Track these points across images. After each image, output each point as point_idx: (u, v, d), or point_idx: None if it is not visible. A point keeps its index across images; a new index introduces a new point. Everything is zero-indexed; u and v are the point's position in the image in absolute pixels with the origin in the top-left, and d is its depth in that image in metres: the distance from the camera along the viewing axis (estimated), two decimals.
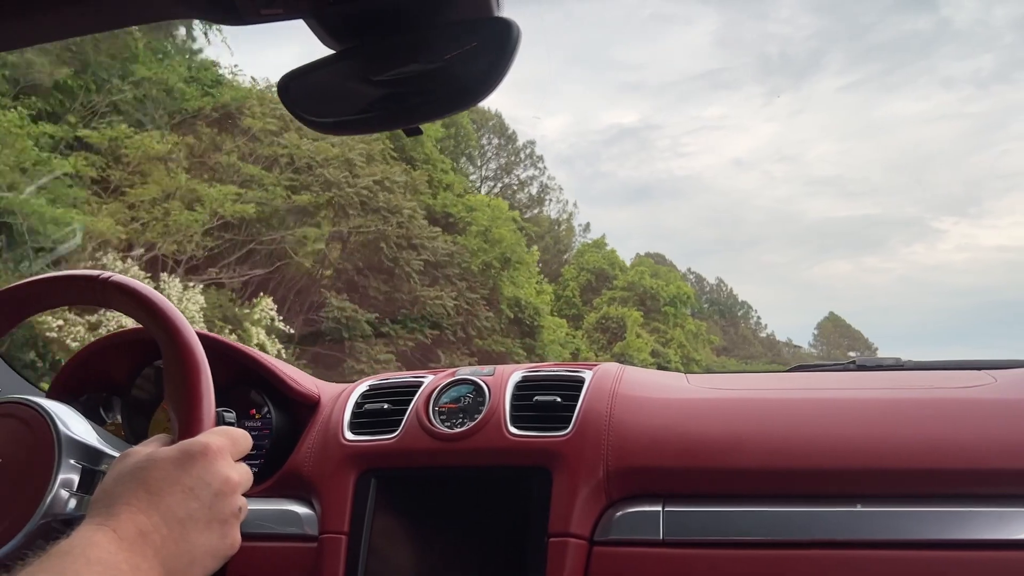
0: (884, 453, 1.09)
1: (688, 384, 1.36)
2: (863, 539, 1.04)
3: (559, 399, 1.27)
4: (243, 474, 0.84)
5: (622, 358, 19.48)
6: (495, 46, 0.75)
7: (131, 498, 0.75)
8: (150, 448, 0.82)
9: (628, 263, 25.39)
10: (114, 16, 0.85)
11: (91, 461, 0.87)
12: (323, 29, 0.81)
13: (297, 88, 0.85)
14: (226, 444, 0.83)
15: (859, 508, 1.06)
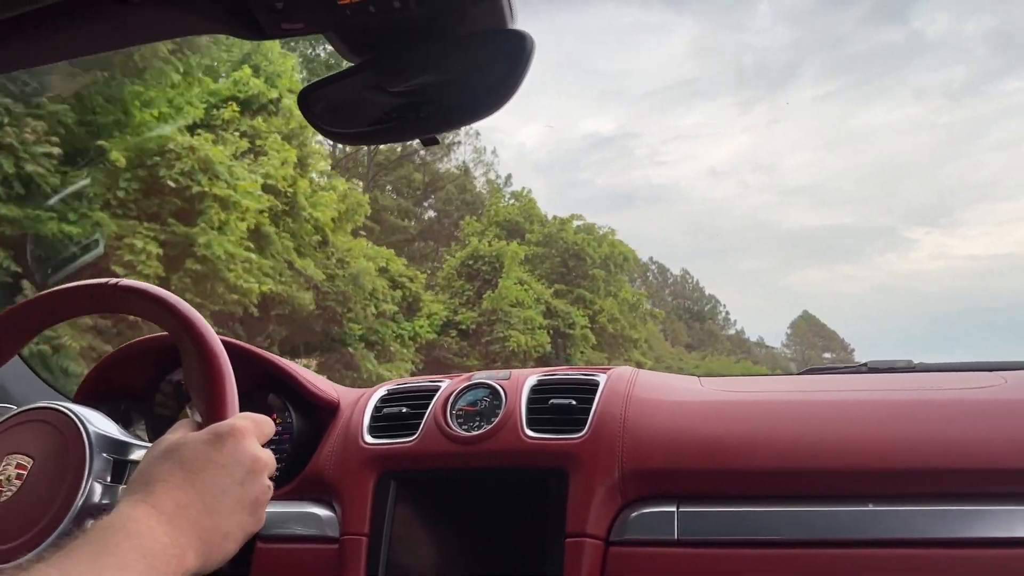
0: (896, 453, 1.10)
1: (701, 387, 1.37)
2: (876, 538, 1.05)
3: (574, 402, 1.29)
4: (269, 457, 0.88)
5: (494, 315, 15.50)
6: (509, 57, 0.77)
7: (168, 476, 0.78)
8: (180, 433, 0.85)
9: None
10: (138, 32, 0.88)
11: (120, 453, 0.90)
12: (342, 42, 0.83)
13: (316, 100, 0.87)
14: (252, 426, 0.87)
15: (871, 507, 1.07)
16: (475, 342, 15.79)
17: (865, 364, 1.51)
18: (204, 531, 0.77)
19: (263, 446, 0.88)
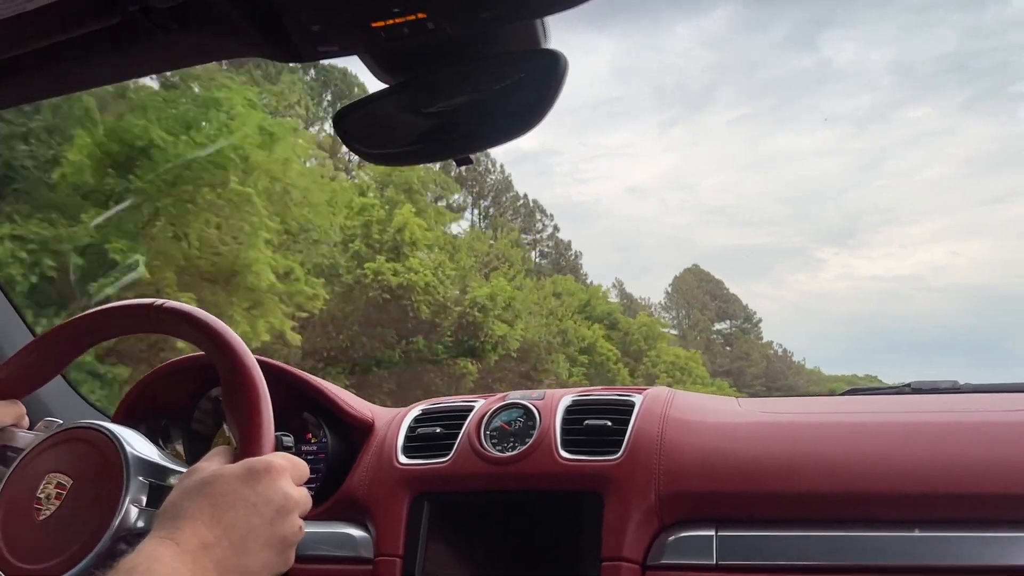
0: (943, 477, 1.07)
1: (739, 408, 1.35)
2: (922, 564, 1.02)
3: (609, 423, 1.27)
4: (303, 496, 0.86)
5: None
6: (543, 77, 0.77)
7: (195, 512, 0.78)
8: (215, 464, 0.85)
9: None
10: (176, 57, 0.89)
11: (157, 477, 0.90)
12: (376, 64, 0.84)
13: (351, 121, 0.88)
14: (288, 465, 0.86)
15: (917, 533, 1.04)
16: None
17: (908, 385, 1.47)
18: (228, 571, 0.76)
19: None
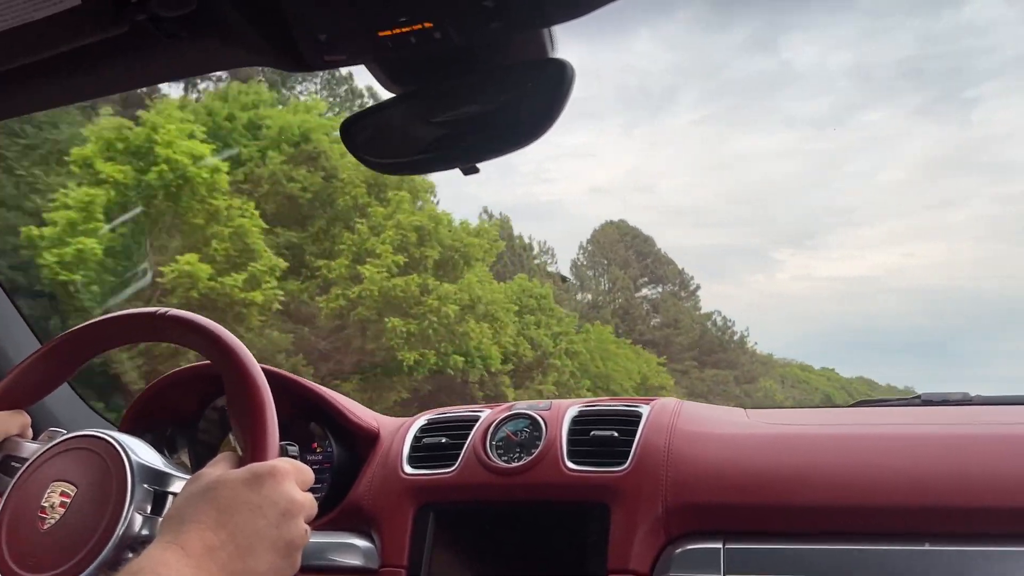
0: (953, 490, 1.06)
1: (747, 419, 1.34)
2: None
3: (616, 433, 1.27)
4: (308, 500, 0.86)
5: None
6: (550, 86, 0.77)
7: (200, 516, 0.77)
8: (219, 469, 0.85)
9: None
10: (185, 66, 0.89)
11: (162, 485, 0.90)
12: (384, 74, 0.84)
13: (359, 130, 0.88)
14: (292, 470, 0.86)
15: (927, 547, 1.03)
16: None
17: (919, 396, 1.46)
18: (234, 574, 0.76)
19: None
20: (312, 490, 0.91)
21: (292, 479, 0.85)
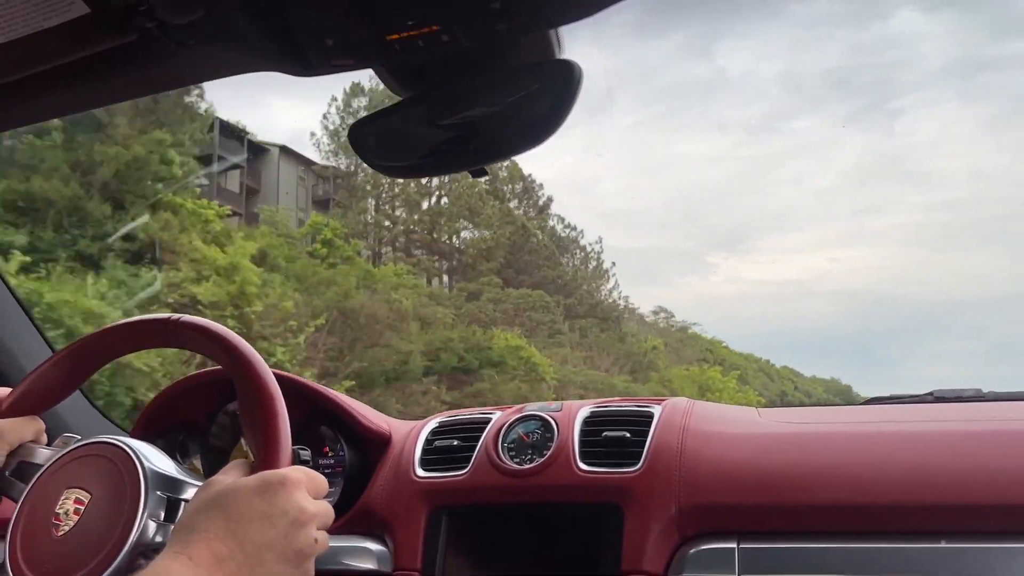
0: (969, 487, 1.06)
1: (760, 418, 1.33)
2: None
3: (628, 434, 1.26)
4: (321, 508, 0.86)
5: None
6: (558, 87, 0.77)
7: (209, 526, 0.77)
8: (231, 477, 0.85)
9: None
10: (191, 73, 0.89)
11: (175, 491, 0.90)
12: (391, 77, 0.84)
13: (366, 135, 0.88)
14: (304, 479, 0.85)
15: (944, 544, 1.03)
16: None
17: (931, 393, 1.45)
18: None
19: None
20: (324, 494, 0.91)
21: (303, 488, 0.84)
